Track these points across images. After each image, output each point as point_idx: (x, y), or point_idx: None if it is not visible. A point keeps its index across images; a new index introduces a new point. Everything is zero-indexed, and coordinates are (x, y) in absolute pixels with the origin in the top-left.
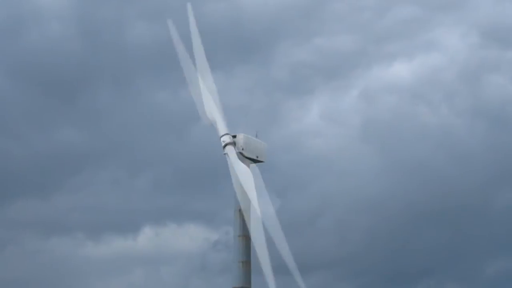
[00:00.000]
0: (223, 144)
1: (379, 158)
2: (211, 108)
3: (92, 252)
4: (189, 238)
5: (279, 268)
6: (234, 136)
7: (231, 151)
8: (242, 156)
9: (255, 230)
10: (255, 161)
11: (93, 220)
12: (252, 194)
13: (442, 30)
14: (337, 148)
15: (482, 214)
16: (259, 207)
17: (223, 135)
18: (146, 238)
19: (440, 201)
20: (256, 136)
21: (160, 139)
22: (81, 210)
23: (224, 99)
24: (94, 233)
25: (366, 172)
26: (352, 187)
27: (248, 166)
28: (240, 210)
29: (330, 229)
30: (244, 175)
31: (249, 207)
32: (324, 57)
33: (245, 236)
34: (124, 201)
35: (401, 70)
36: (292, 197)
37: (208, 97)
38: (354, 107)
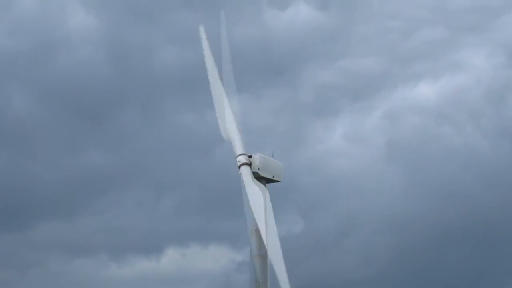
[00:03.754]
0: (238, 164)
1: (403, 178)
2: (231, 127)
3: (115, 273)
4: (213, 259)
5: None
6: (250, 156)
7: (245, 172)
8: (258, 176)
9: (272, 252)
10: (271, 181)
11: (117, 242)
12: (261, 217)
13: (468, 50)
14: (362, 168)
15: (507, 233)
16: (265, 230)
17: (239, 155)
18: (170, 259)
19: (466, 220)
20: (273, 156)
21: (185, 160)
22: (105, 231)
23: (250, 121)
24: (118, 255)
25: (391, 191)
26: (377, 207)
27: (265, 186)
28: (256, 230)
29: (355, 249)
30: (255, 197)
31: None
32: (350, 79)
33: (262, 256)
34: (148, 223)
35: (426, 91)
36: (316, 218)
37: (230, 116)
38: (379, 127)
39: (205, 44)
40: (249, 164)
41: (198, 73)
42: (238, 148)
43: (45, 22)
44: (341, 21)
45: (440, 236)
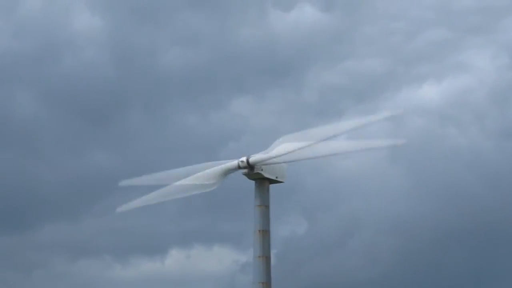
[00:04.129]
0: (238, 160)
1: (407, 179)
2: (281, 149)
3: (119, 275)
4: (218, 260)
5: None
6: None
7: (229, 164)
8: (261, 177)
9: None
10: (274, 181)
11: (121, 243)
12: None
13: (472, 52)
14: (366, 169)
15: (511, 234)
16: None
17: (246, 159)
18: (174, 260)
19: (469, 221)
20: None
21: (188, 162)
22: (109, 232)
23: (255, 121)
24: (122, 256)
25: (395, 193)
26: (381, 208)
27: (267, 188)
28: (260, 231)
29: (359, 250)
30: (199, 175)
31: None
32: (354, 80)
33: (265, 257)
34: (152, 224)
35: (431, 92)
36: (321, 218)
37: (300, 150)
38: (383, 128)
39: None
40: (240, 169)
41: (202, 74)
42: (256, 158)
43: (50, 24)
44: (345, 22)
45: (443, 237)
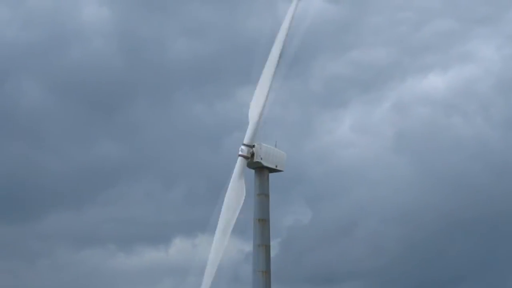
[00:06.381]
0: (238, 153)
1: (412, 168)
2: (254, 111)
3: (123, 263)
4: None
5: None
6: (253, 146)
7: (239, 164)
8: (260, 166)
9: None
10: (274, 170)
11: (125, 232)
12: (229, 213)
13: (478, 42)
14: (370, 158)
15: None
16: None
17: (243, 145)
18: (178, 249)
19: (474, 210)
20: (276, 146)
21: (193, 151)
22: (114, 222)
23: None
24: (126, 245)
25: (399, 182)
26: (385, 197)
27: (267, 177)
28: (259, 220)
29: (364, 238)
30: (234, 193)
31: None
32: (360, 70)
33: (265, 246)
34: (156, 213)
35: (436, 82)
36: (325, 208)
37: (261, 100)
38: (388, 118)
39: (288, 19)
40: (248, 157)
41: (208, 64)
42: (247, 137)
43: (59, 14)
44: (352, 12)
45: (448, 226)
